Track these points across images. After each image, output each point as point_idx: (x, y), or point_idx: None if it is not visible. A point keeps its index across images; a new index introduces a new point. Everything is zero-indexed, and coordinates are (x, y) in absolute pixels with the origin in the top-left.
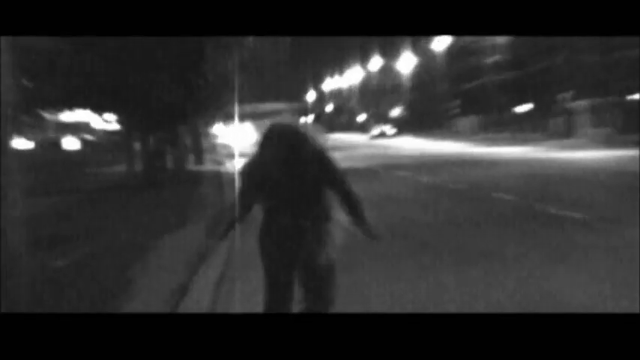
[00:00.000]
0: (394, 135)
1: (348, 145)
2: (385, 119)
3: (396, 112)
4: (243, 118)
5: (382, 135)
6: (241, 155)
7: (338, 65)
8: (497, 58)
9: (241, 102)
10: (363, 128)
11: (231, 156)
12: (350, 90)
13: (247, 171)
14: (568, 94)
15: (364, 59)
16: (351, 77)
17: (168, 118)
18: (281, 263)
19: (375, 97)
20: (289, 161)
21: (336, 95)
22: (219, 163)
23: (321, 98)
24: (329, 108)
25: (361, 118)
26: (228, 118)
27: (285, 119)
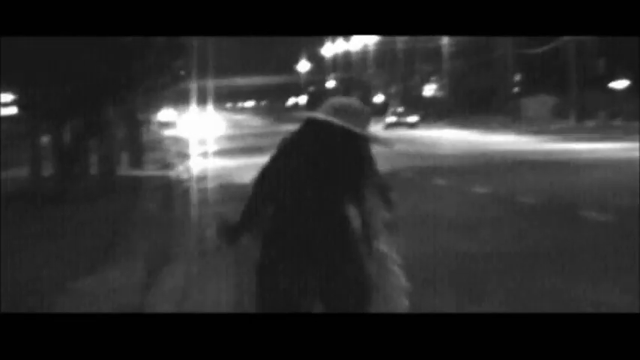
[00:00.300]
0: (417, 123)
1: None
2: (413, 100)
3: (430, 90)
4: (203, 99)
5: (399, 124)
6: (202, 154)
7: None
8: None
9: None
10: (382, 112)
11: (185, 156)
12: (362, 57)
13: (268, 174)
14: None
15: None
16: (362, 38)
17: (90, 98)
18: (294, 300)
19: (398, 68)
20: (323, 169)
21: (342, 65)
22: (167, 165)
23: (319, 69)
24: (330, 83)
25: (379, 98)
26: (181, 99)
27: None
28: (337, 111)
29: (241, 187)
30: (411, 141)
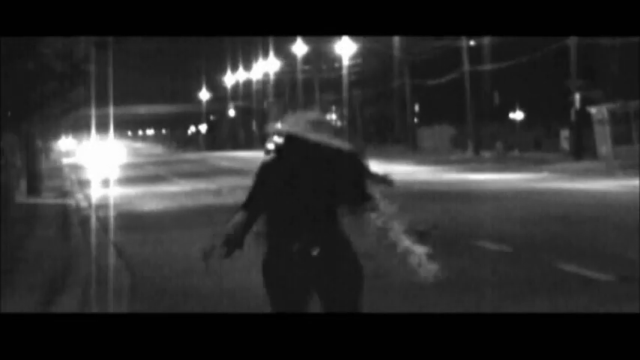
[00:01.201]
0: None
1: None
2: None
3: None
4: (103, 126)
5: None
6: (101, 182)
7: (248, 50)
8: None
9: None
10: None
11: (84, 183)
12: (262, 86)
13: (264, 173)
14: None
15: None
16: (263, 67)
17: None
18: (294, 294)
19: (297, 98)
20: (310, 182)
21: (242, 94)
22: (66, 193)
23: (220, 98)
24: (230, 112)
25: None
26: (81, 126)
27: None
28: (314, 125)
29: (142, 216)
30: None
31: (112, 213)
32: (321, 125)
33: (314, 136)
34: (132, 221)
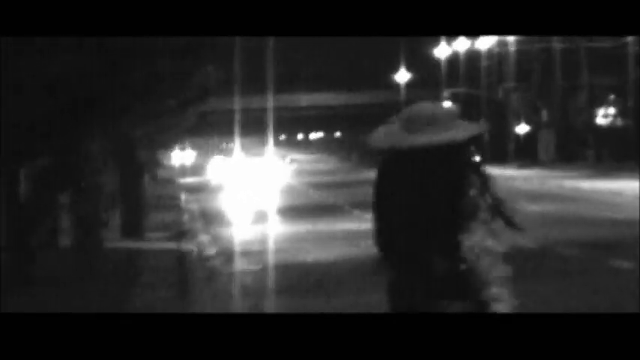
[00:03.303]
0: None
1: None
2: None
3: None
4: (246, 126)
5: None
6: (241, 217)
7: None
8: None
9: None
10: None
11: (212, 219)
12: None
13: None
14: None
15: None
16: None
17: (64, 123)
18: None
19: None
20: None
21: (466, 73)
22: (183, 233)
23: (430, 80)
24: (447, 103)
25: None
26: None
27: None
28: (406, 122)
29: (304, 269)
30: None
31: (254, 265)
32: (417, 120)
33: (410, 141)
34: (288, 278)
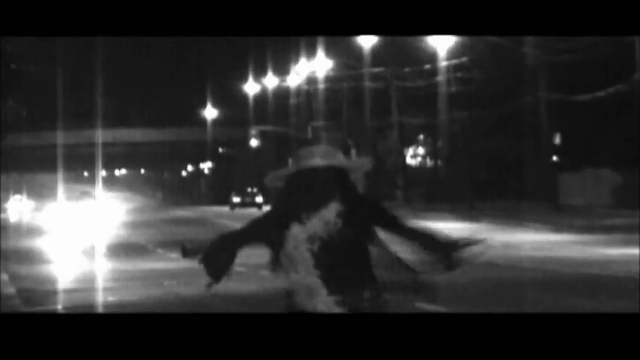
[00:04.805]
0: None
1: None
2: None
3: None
4: (39, 162)
5: (245, 204)
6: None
7: (282, 45)
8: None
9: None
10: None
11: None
12: None
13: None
14: None
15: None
16: None
17: None
18: None
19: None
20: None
21: (275, 110)
22: None
23: (237, 117)
24: (254, 140)
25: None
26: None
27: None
28: (298, 158)
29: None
30: None
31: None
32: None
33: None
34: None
